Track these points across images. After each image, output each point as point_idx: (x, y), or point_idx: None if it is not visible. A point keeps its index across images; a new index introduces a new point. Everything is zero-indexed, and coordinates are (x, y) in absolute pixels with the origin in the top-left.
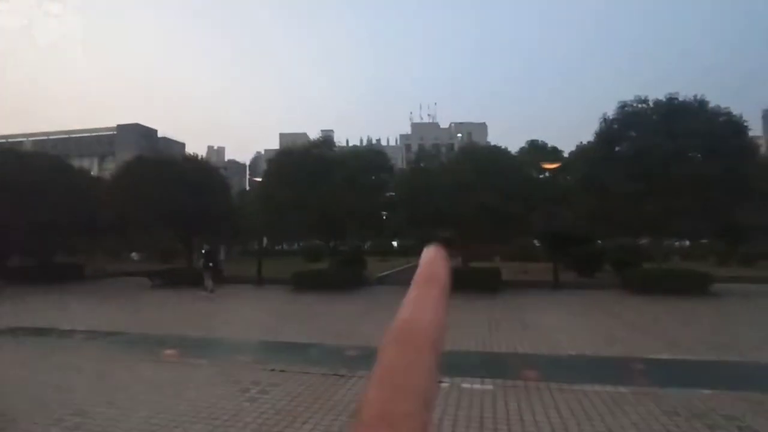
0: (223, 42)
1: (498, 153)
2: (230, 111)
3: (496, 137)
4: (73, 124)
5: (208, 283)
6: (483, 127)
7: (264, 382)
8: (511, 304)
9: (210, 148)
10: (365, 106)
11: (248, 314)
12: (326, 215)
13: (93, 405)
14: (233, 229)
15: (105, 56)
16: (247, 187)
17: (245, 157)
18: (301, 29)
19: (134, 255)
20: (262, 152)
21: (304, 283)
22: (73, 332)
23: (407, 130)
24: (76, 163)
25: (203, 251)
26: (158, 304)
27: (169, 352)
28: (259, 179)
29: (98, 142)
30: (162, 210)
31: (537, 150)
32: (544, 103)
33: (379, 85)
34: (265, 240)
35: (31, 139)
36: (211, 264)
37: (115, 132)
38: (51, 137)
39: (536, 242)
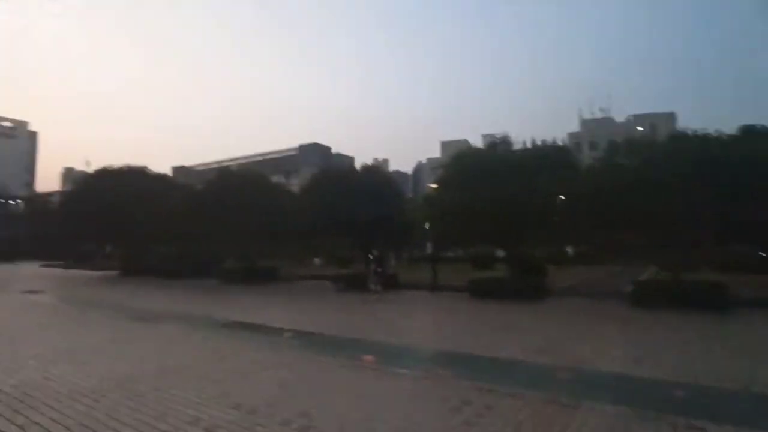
0: (382, 56)
1: (717, 143)
2: (392, 123)
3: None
4: (263, 147)
5: (376, 287)
6: (670, 117)
7: (475, 402)
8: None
9: (375, 160)
10: (526, 107)
11: (432, 322)
12: (503, 220)
13: (313, 408)
14: (405, 236)
15: (283, 81)
16: (410, 195)
17: (408, 167)
18: (455, 31)
19: (317, 260)
20: (424, 161)
21: (481, 291)
22: (280, 330)
23: (575, 127)
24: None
25: (371, 257)
26: (343, 307)
27: (367, 357)
28: (435, 185)
29: (284, 162)
30: (342, 218)
31: (757, 136)
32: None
33: (541, 84)
34: (429, 246)
35: (235, 162)
36: (379, 269)
37: (297, 152)
38: (250, 160)
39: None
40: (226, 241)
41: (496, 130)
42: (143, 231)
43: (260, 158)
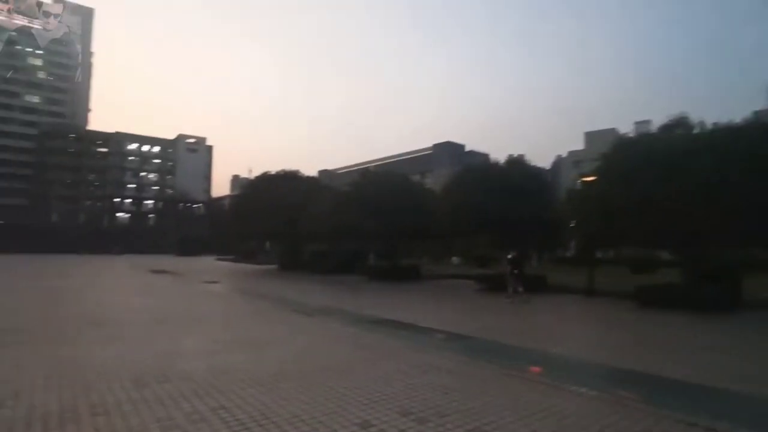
0: (514, 49)
1: None
2: (525, 118)
3: None
4: (396, 149)
5: (514, 289)
6: None
7: None
8: None
9: (510, 156)
10: (687, 89)
11: (598, 331)
12: (682, 217)
13: (487, 425)
14: (551, 235)
15: (416, 83)
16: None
17: (543, 162)
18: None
19: (455, 259)
20: (563, 155)
21: (652, 299)
22: (429, 330)
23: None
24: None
25: (509, 257)
26: (489, 308)
27: (533, 368)
28: (588, 178)
29: (419, 161)
30: (483, 215)
31: None
32: None
33: (710, 61)
34: (572, 246)
35: (373, 164)
36: (516, 271)
37: (431, 151)
38: (386, 161)
39: None
40: (369, 239)
41: (648, 116)
42: (296, 229)
43: (396, 159)
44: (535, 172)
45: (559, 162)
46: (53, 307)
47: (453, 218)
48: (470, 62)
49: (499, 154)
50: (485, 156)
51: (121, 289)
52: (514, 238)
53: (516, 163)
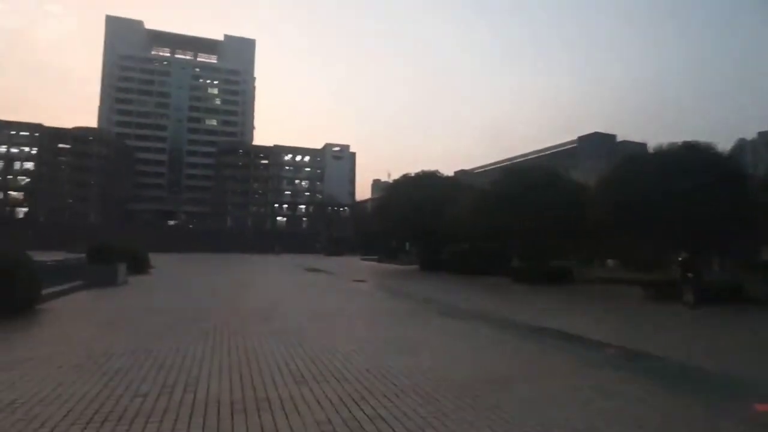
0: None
1: None
2: (695, 99)
3: None
4: (536, 144)
5: (688, 297)
6: None
7: None
8: None
9: (672, 144)
10: None
11: None
12: None
13: None
14: (742, 233)
15: (526, 78)
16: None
17: (722, 146)
18: None
19: (610, 261)
20: (749, 138)
21: None
22: (598, 344)
23: None
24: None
25: (680, 259)
26: (669, 321)
27: (761, 407)
28: None
29: (562, 156)
30: (654, 211)
31: None
32: None
33: None
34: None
35: (511, 161)
36: (689, 275)
37: (575, 144)
38: (526, 158)
39: None
40: (512, 238)
41: None
42: (436, 229)
43: (536, 155)
44: (717, 158)
45: (741, 146)
46: (232, 301)
47: (613, 214)
48: (620, 45)
49: (661, 141)
50: (642, 146)
51: (284, 286)
52: (689, 238)
53: (691, 149)
